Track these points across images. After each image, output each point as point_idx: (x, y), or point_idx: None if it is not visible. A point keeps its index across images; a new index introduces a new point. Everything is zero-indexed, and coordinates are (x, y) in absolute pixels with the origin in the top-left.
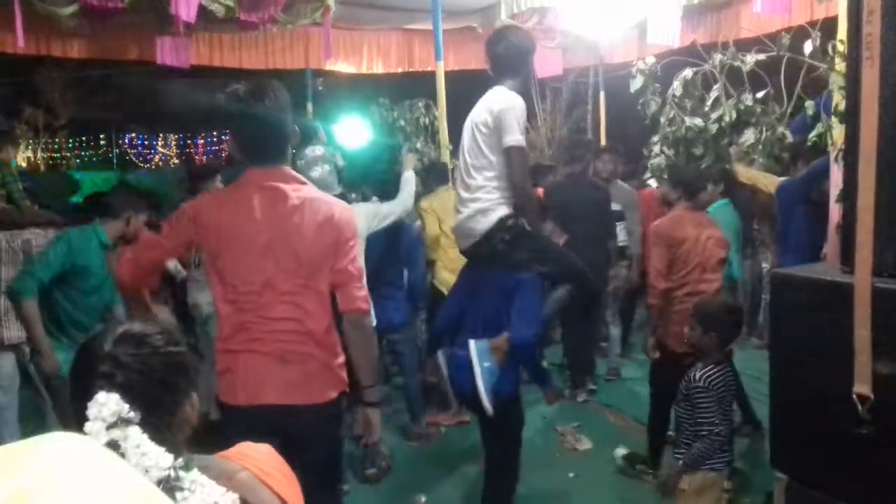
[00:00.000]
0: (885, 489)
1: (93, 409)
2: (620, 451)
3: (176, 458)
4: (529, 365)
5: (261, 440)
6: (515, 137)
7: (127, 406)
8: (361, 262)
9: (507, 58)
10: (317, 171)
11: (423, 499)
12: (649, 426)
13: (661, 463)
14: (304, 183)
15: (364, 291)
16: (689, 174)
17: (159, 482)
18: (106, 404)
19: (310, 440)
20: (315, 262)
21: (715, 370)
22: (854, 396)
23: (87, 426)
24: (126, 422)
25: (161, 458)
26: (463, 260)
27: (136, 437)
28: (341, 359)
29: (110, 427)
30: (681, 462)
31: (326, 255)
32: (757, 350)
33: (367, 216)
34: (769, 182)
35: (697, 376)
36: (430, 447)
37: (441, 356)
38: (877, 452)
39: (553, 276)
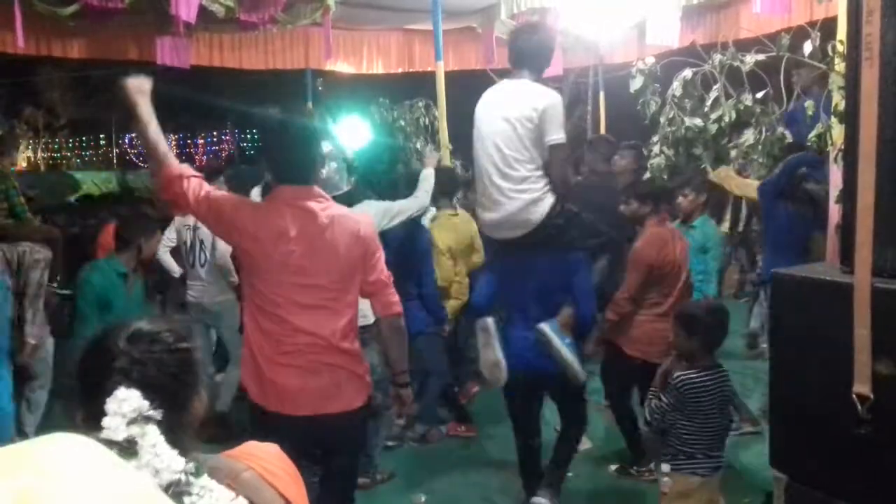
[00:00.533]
0: (885, 489)
1: (112, 404)
2: (612, 468)
3: (187, 462)
4: (588, 333)
5: (295, 446)
6: (561, 135)
7: (147, 403)
8: None
9: (535, 52)
10: (325, 169)
11: (423, 498)
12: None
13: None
14: (329, 200)
15: (396, 296)
16: (655, 185)
17: (169, 485)
18: (127, 400)
19: (341, 444)
20: (346, 276)
21: (697, 375)
22: (854, 396)
23: (106, 421)
24: (146, 419)
25: (173, 461)
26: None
27: (153, 436)
28: (365, 365)
29: (130, 423)
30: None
31: (356, 268)
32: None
33: (378, 214)
34: (742, 185)
35: (676, 374)
36: (430, 447)
37: (490, 326)
38: (877, 452)
39: (596, 249)
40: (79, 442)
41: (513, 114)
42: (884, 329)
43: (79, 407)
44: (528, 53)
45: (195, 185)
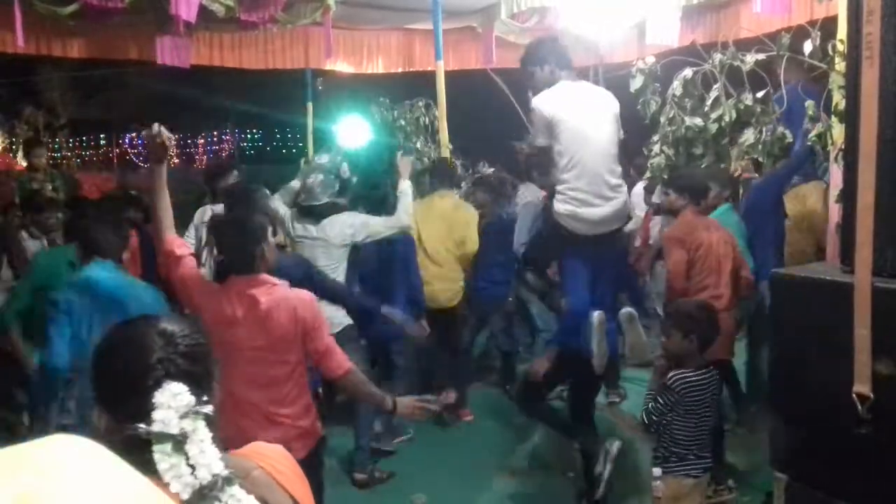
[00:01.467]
0: (885, 489)
1: (163, 397)
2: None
3: (225, 468)
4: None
5: None
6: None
7: (194, 398)
8: (339, 276)
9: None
10: (311, 179)
11: (424, 499)
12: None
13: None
14: (275, 285)
15: (342, 356)
16: (694, 178)
17: (201, 487)
18: (179, 394)
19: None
20: (287, 351)
21: (692, 374)
22: (854, 396)
23: (158, 414)
24: (195, 413)
25: (214, 463)
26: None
27: (202, 431)
28: (311, 417)
29: (182, 417)
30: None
31: (296, 343)
32: None
33: (355, 225)
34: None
35: (670, 374)
36: (430, 447)
37: (596, 322)
38: (877, 452)
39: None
40: (78, 443)
41: (610, 113)
42: (884, 329)
43: (107, 407)
44: (561, 54)
45: (179, 267)
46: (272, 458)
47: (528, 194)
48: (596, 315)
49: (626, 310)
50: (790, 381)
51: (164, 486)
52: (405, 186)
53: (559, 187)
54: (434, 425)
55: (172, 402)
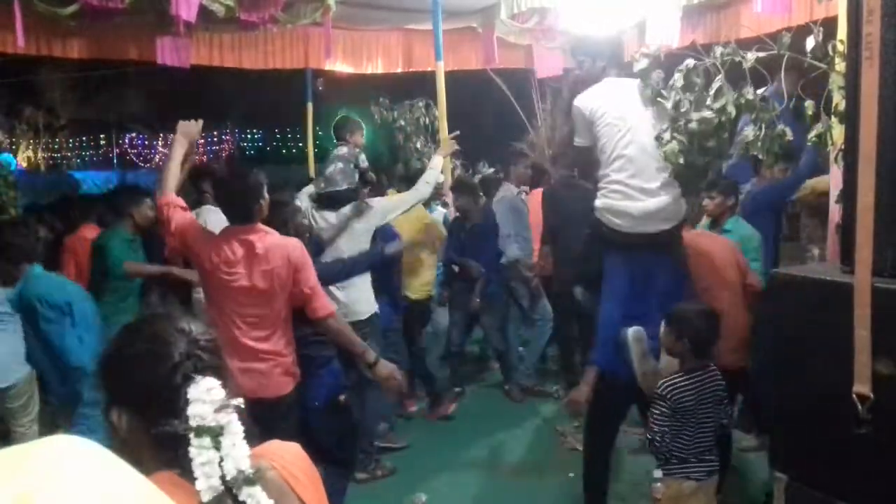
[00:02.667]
0: (885, 489)
1: (197, 391)
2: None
3: (252, 466)
4: None
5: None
6: None
7: (224, 393)
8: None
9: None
10: (329, 168)
11: (424, 498)
12: None
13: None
14: (269, 233)
15: (322, 302)
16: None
17: (223, 482)
18: (213, 389)
19: (276, 426)
20: (277, 293)
21: (682, 379)
22: (854, 396)
23: (193, 408)
24: (228, 407)
25: (242, 460)
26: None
27: (235, 425)
28: (293, 355)
29: (216, 411)
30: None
31: (286, 285)
32: None
33: (374, 210)
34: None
35: (660, 383)
36: (430, 447)
37: (643, 335)
38: (877, 452)
39: None
40: (78, 443)
41: (651, 112)
42: (884, 329)
43: (132, 407)
44: (613, 52)
45: (176, 214)
46: (287, 459)
47: (505, 192)
48: (631, 332)
49: (637, 329)
50: (790, 381)
51: (184, 482)
52: (436, 161)
53: (600, 183)
54: (434, 425)
55: (207, 396)
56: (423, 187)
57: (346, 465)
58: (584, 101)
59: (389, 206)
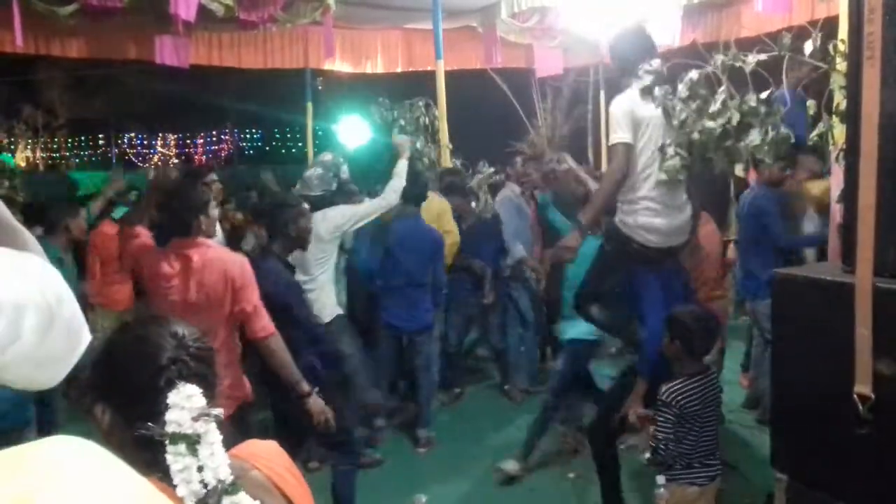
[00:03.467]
0: (885, 489)
1: (176, 397)
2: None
3: (231, 474)
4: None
5: None
6: None
7: (205, 401)
8: (330, 267)
9: (638, 57)
10: (310, 171)
11: (424, 499)
12: None
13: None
14: (210, 247)
15: (262, 323)
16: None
17: (205, 492)
18: (193, 396)
19: None
20: (214, 306)
21: (684, 384)
22: (855, 396)
23: (171, 415)
24: (207, 416)
25: (222, 469)
26: None
27: (214, 434)
28: (232, 378)
29: (195, 419)
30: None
31: (222, 300)
32: None
33: (340, 217)
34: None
35: (662, 389)
36: (433, 447)
37: None
38: (877, 452)
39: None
40: (77, 443)
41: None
42: (885, 329)
43: (115, 406)
44: (632, 60)
45: (134, 241)
46: (269, 459)
47: (507, 192)
48: None
49: None
50: (791, 380)
51: (167, 487)
52: (401, 167)
53: (627, 197)
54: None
55: (186, 403)
56: (391, 195)
57: (344, 453)
58: (624, 102)
59: (360, 215)
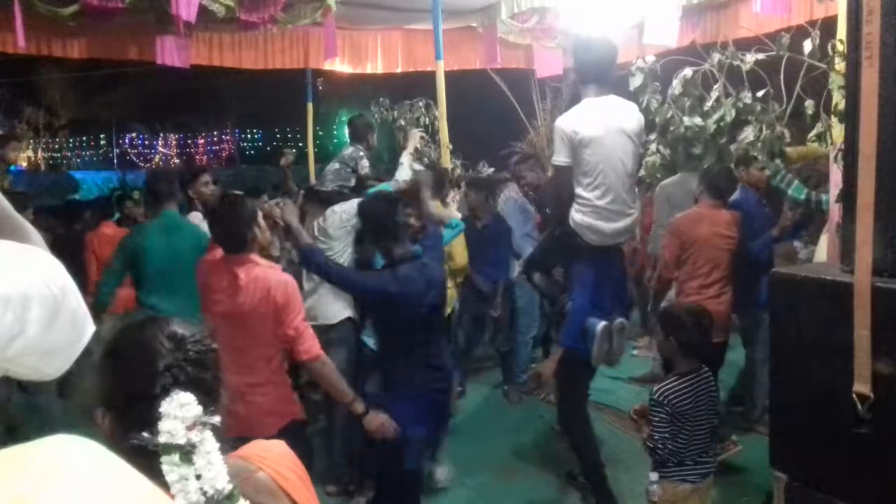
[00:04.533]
0: (885, 489)
1: (170, 407)
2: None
3: (228, 482)
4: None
5: None
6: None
7: (202, 408)
8: (343, 260)
9: (605, 67)
10: (332, 165)
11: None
12: None
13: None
14: (258, 264)
15: (309, 344)
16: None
17: (203, 501)
18: (187, 405)
19: None
20: (259, 323)
21: (676, 383)
22: (854, 396)
23: (164, 425)
24: (203, 424)
25: (220, 478)
26: None
27: (210, 443)
28: (276, 395)
29: (189, 428)
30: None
31: (266, 320)
32: None
33: (349, 212)
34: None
35: (654, 389)
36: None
37: (600, 331)
38: (877, 452)
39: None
40: (78, 443)
41: (630, 128)
42: (884, 328)
43: (112, 411)
44: (594, 69)
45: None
46: (275, 461)
47: (511, 192)
48: (601, 325)
49: (620, 320)
50: (790, 380)
51: (168, 493)
52: (404, 158)
53: (577, 200)
54: None
55: (179, 412)
56: (394, 186)
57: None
58: (567, 123)
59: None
